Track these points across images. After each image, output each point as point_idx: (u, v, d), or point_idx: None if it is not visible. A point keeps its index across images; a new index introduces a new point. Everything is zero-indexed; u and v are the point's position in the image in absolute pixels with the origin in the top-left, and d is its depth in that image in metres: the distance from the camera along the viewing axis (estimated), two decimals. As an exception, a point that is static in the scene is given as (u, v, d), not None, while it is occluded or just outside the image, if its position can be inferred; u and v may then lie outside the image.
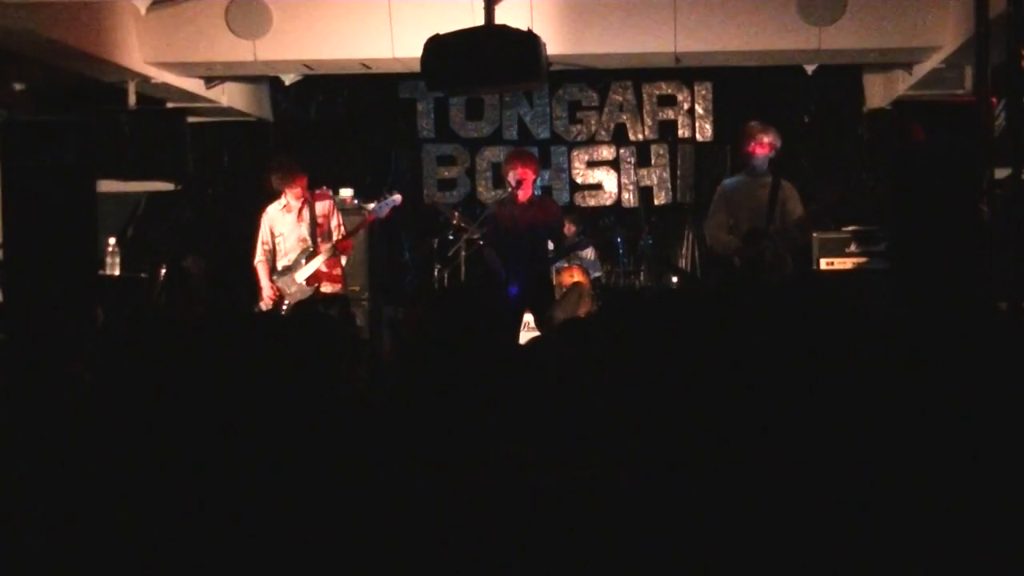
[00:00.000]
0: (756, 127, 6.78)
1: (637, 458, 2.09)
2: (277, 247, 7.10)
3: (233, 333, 2.92)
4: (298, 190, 7.00)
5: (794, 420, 2.15)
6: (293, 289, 7.00)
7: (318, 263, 7.04)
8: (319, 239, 7.08)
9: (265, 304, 7.04)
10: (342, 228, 7.21)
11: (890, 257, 6.99)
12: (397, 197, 7.42)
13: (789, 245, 6.72)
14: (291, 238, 7.09)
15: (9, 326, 6.17)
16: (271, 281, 7.06)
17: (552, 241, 7.26)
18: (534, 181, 7.10)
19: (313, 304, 6.82)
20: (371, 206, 7.31)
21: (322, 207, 7.16)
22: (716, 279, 7.41)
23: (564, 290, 8.27)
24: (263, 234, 7.12)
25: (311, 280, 7.05)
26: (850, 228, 8.01)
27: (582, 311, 8.17)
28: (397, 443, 2.24)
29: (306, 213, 7.08)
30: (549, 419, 2.50)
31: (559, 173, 10.00)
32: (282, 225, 7.10)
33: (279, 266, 7.09)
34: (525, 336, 6.80)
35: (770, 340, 2.51)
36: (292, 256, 7.07)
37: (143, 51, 7.85)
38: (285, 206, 7.08)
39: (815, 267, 7.66)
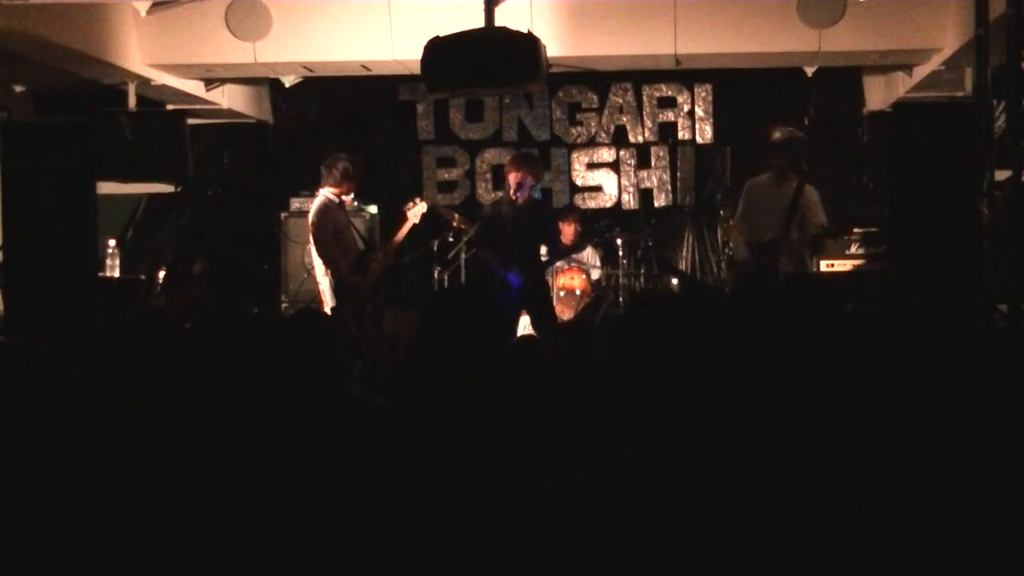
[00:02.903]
0: (794, 131, 6.70)
1: (638, 459, 2.09)
2: (339, 242, 6.92)
3: (232, 334, 2.92)
4: (351, 188, 6.99)
5: (794, 421, 2.15)
6: (364, 285, 6.94)
7: (380, 266, 7.05)
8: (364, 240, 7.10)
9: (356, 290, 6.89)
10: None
11: (890, 259, 6.99)
12: (424, 205, 7.29)
13: (804, 255, 6.65)
14: (346, 235, 6.97)
15: (9, 327, 6.18)
16: (352, 275, 6.91)
17: (546, 244, 7.25)
18: (532, 185, 7.10)
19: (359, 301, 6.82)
20: (409, 214, 7.17)
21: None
22: (733, 282, 7.37)
23: (570, 295, 8.29)
24: (332, 228, 6.87)
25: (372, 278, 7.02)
26: (850, 229, 8.00)
27: (589, 314, 8.19)
28: (396, 443, 2.24)
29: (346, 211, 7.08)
30: (549, 420, 2.50)
31: (559, 175, 10.00)
32: (341, 222, 6.97)
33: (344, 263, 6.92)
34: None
35: (770, 342, 2.51)
36: (352, 253, 6.96)
37: (143, 53, 7.85)
38: (341, 203, 6.97)
39: (815, 269, 7.66)
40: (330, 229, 6.83)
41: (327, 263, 6.84)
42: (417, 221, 7.12)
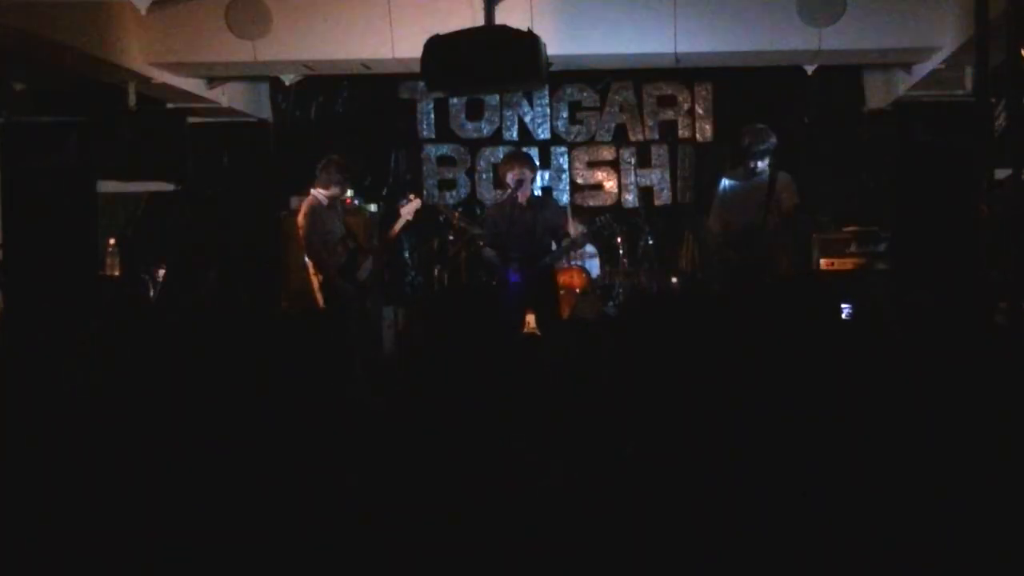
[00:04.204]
0: (762, 128, 6.81)
1: (639, 456, 2.09)
2: (327, 244, 6.95)
3: (235, 334, 2.92)
4: (343, 188, 6.99)
5: (794, 419, 2.15)
6: (350, 287, 6.95)
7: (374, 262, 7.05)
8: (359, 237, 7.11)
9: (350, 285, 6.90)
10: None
11: (890, 257, 6.99)
12: (418, 201, 7.27)
13: (783, 240, 6.69)
14: (337, 235, 7.00)
15: (9, 326, 6.18)
16: (339, 275, 6.92)
17: (554, 240, 7.26)
18: (532, 181, 7.11)
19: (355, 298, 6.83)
20: (403, 210, 7.15)
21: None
22: (717, 279, 7.41)
23: (571, 293, 8.28)
24: (320, 230, 6.92)
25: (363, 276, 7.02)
26: (850, 228, 8.02)
27: (590, 313, 8.20)
28: (399, 442, 2.25)
29: (340, 211, 7.08)
30: (552, 418, 2.50)
31: (559, 173, 10.00)
32: (330, 222, 6.99)
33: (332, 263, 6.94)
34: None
35: (770, 340, 2.51)
36: (342, 252, 6.97)
37: (143, 52, 7.85)
38: (330, 205, 6.98)
39: (815, 267, 7.67)
40: (317, 230, 6.86)
41: (315, 263, 6.90)
42: (411, 218, 7.12)
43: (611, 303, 8.82)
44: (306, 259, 7.26)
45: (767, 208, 6.56)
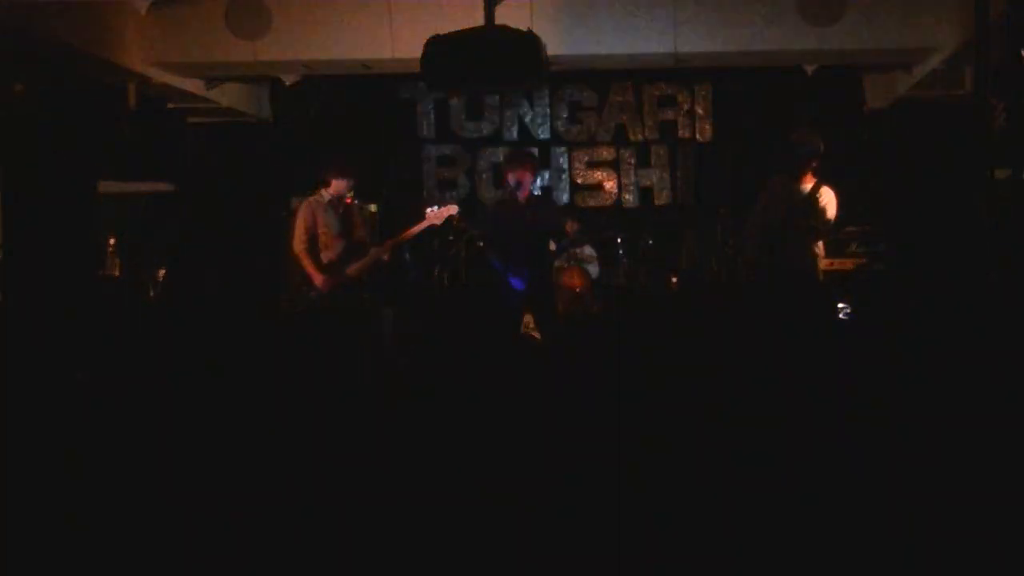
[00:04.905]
0: (805, 131, 6.77)
1: (637, 456, 2.10)
2: (321, 239, 6.98)
3: (236, 333, 2.92)
4: (346, 186, 7.01)
5: (793, 417, 2.15)
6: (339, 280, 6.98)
7: (370, 258, 7.07)
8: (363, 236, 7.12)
9: (320, 289, 6.94)
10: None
11: (890, 257, 6.99)
12: (454, 207, 7.25)
13: (800, 242, 6.63)
14: (330, 233, 7.02)
15: (9, 325, 6.19)
16: (318, 270, 6.96)
17: (553, 240, 7.26)
18: (533, 181, 7.12)
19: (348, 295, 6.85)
20: (429, 211, 7.14)
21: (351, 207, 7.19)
22: (743, 276, 7.38)
23: (570, 293, 8.29)
24: (307, 225, 6.92)
25: (355, 273, 7.04)
26: (850, 228, 8.02)
27: (589, 313, 8.21)
28: (399, 440, 2.25)
29: (342, 210, 7.09)
30: (551, 416, 2.51)
31: (559, 173, 10.01)
32: (327, 219, 7.01)
33: (323, 259, 6.98)
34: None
35: (767, 338, 2.52)
36: (336, 249, 7.00)
37: (143, 52, 7.86)
38: (331, 201, 7.01)
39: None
40: (305, 228, 6.89)
41: (300, 260, 6.94)
42: (438, 223, 7.10)
43: (610, 303, 8.83)
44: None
45: (795, 213, 6.49)
